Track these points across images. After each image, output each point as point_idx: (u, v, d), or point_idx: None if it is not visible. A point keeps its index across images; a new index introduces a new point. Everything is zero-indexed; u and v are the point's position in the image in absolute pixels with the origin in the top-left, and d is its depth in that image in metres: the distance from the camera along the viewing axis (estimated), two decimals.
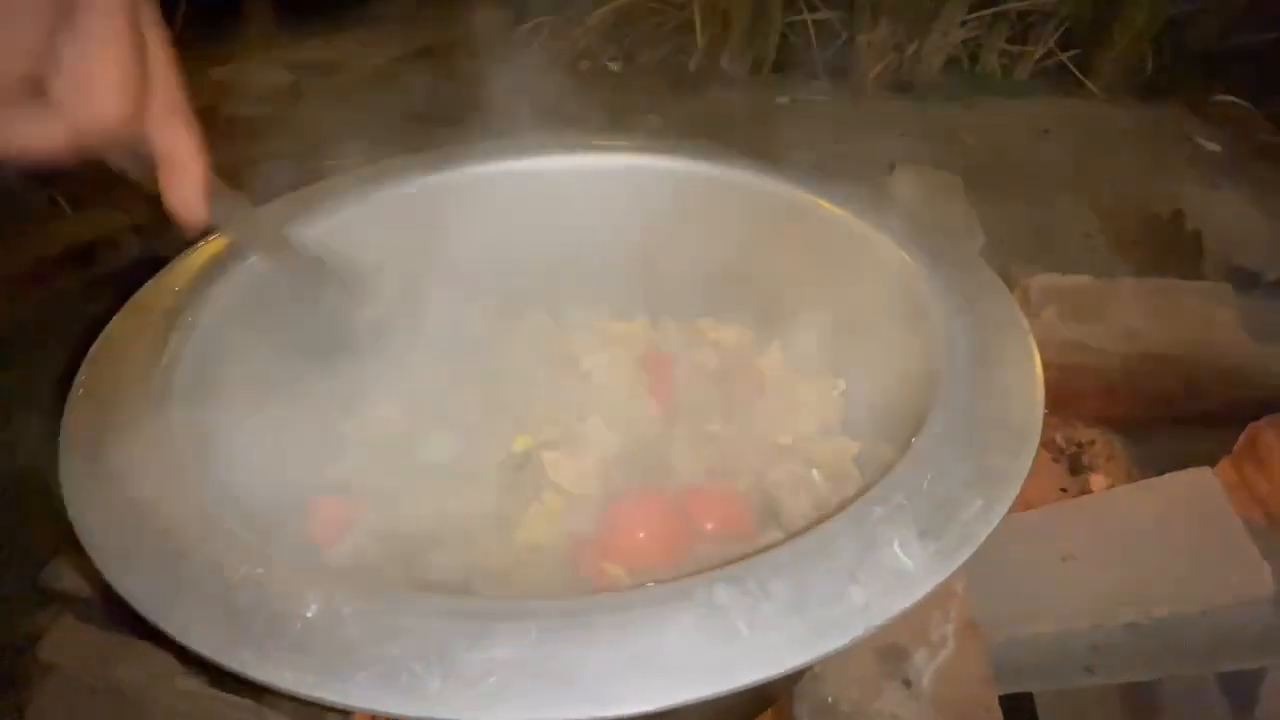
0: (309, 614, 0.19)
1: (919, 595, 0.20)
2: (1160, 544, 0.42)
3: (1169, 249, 0.99)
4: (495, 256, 0.44)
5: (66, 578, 0.46)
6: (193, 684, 0.45)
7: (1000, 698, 0.40)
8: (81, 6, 0.16)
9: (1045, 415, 0.90)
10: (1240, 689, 0.41)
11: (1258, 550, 0.39)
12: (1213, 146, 1.37)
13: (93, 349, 0.30)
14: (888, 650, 0.39)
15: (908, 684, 0.38)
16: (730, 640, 0.19)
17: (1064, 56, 1.55)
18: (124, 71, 0.17)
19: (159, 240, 1.10)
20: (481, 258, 0.43)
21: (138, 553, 0.22)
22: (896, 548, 0.21)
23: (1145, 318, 0.79)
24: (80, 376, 0.29)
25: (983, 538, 0.22)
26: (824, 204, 0.40)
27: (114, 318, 0.33)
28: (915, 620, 0.40)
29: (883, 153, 1.12)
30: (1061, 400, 0.77)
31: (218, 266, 0.36)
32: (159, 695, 0.46)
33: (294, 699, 0.18)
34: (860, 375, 0.38)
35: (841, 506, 0.22)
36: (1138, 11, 1.45)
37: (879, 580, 0.20)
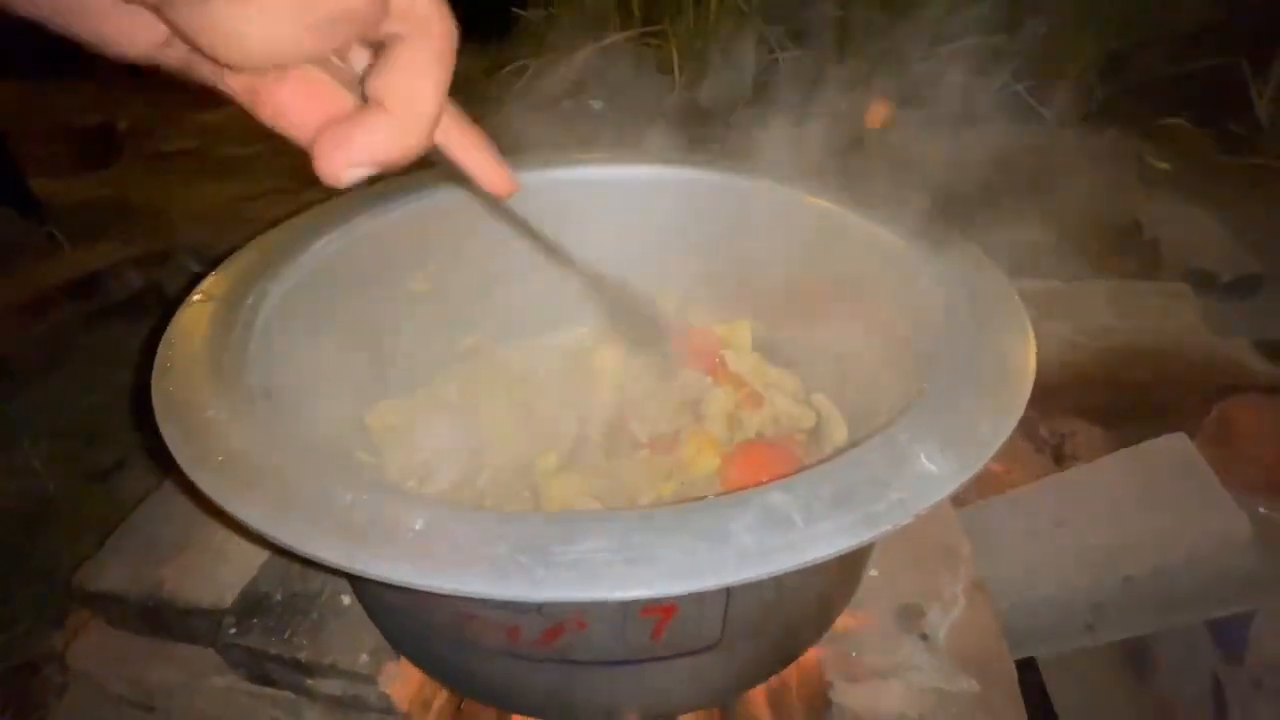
0: (418, 526, 0.21)
1: (946, 492, 0.23)
2: (1145, 503, 0.46)
3: (1129, 256, 1.06)
4: None
5: (104, 578, 0.46)
6: (228, 681, 0.45)
7: None
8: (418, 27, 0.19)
9: (1027, 410, 0.94)
10: (1231, 638, 0.44)
11: (1233, 500, 0.43)
12: (1163, 165, 1.45)
13: (166, 333, 0.32)
14: (904, 610, 0.42)
15: (925, 638, 0.40)
16: (788, 530, 0.21)
17: (1019, 88, 1.64)
18: (442, 91, 0.20)
19: (160, 272, 1.12)
20: None
21: (254, 492, 0.24)
22: (923, 459, 0.24)
23: (1114, 316, 0.84)
24: (160, 355, 0.31)
25: (994, 450, 0.25)
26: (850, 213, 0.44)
27: (180, 309, 0.35)
28: (928, 582, 0.43)
29: None
30: (1042, 394, 0.81)
31: (266, 266, 0.38)
32: (193, 695, 0.46)
33: (405, 589, 0.20)
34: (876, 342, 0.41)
35: (871, 435, 0.25)
36: (1086, 45, 1.55)
37: (911, 483, 0.23)
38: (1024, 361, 0.29)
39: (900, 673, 0.38)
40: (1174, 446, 0.47)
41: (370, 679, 0.40)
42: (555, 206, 0.43)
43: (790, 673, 0.40)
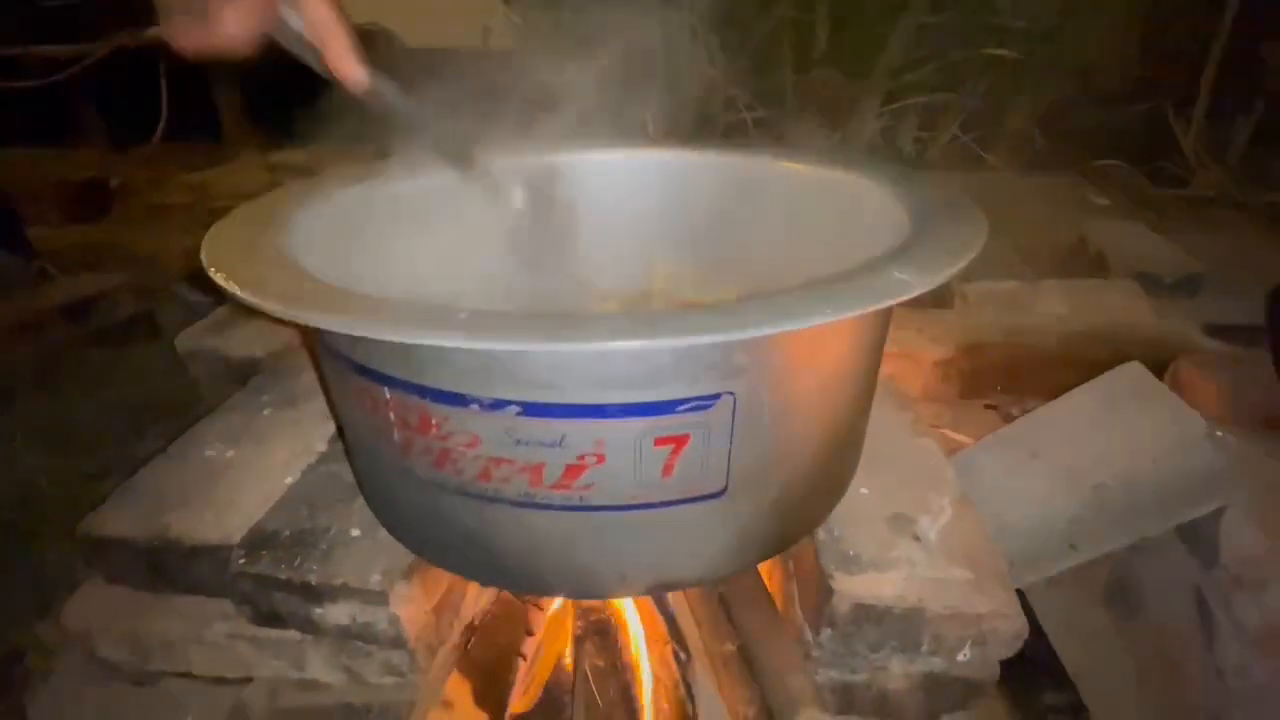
0: (463, 316, 0.24)
1: (916, 291, 0.27)
2: (1108, 421, 0.49)
3: (1079, 266, 1.14)
4: None
5: (110, 525, 0.46)
6: (229, 628, 0.45)
7: None
8: None
9: (997, 392, 0.98)
10: (1205, 544, 0.46)
11: (1186, 405, 0.47)
12: (1103, 201, 1.57)
13: (206, 238, 0.35)
14: (896, 518, 0.44)
15: (917, 539, 0.42)
16: (785, 310, 0.25)
17: (966, 138, 1.78)
18: None
19: (152, 300, 1.13)
20: None
21: (318, 303, 0.26)
22: (896, 273, 0.27)
23: (1070, 308, 0.90)
24: (204, 250, 0.33)
25: (954, 271, 0.29)
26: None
27: (216, 224, 0.38)
28: (916, 498, 0.45)
29: None
30: (1011, 376, 0.86)
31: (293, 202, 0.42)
32: (191, 648, 0.46)
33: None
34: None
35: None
36: (1025, 98, 1.70)
37: (887, 284, 0.27)
38: (978, 228, 0.33)
39: (896, 566, 0.40)
40: (1130, 371, 0.51)
41: (381, 597, 0.40)
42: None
43: (791, 566, 0.42)
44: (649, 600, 0.47)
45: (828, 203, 0.46)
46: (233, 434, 0.54)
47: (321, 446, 0.52)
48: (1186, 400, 0.62)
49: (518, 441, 0.29)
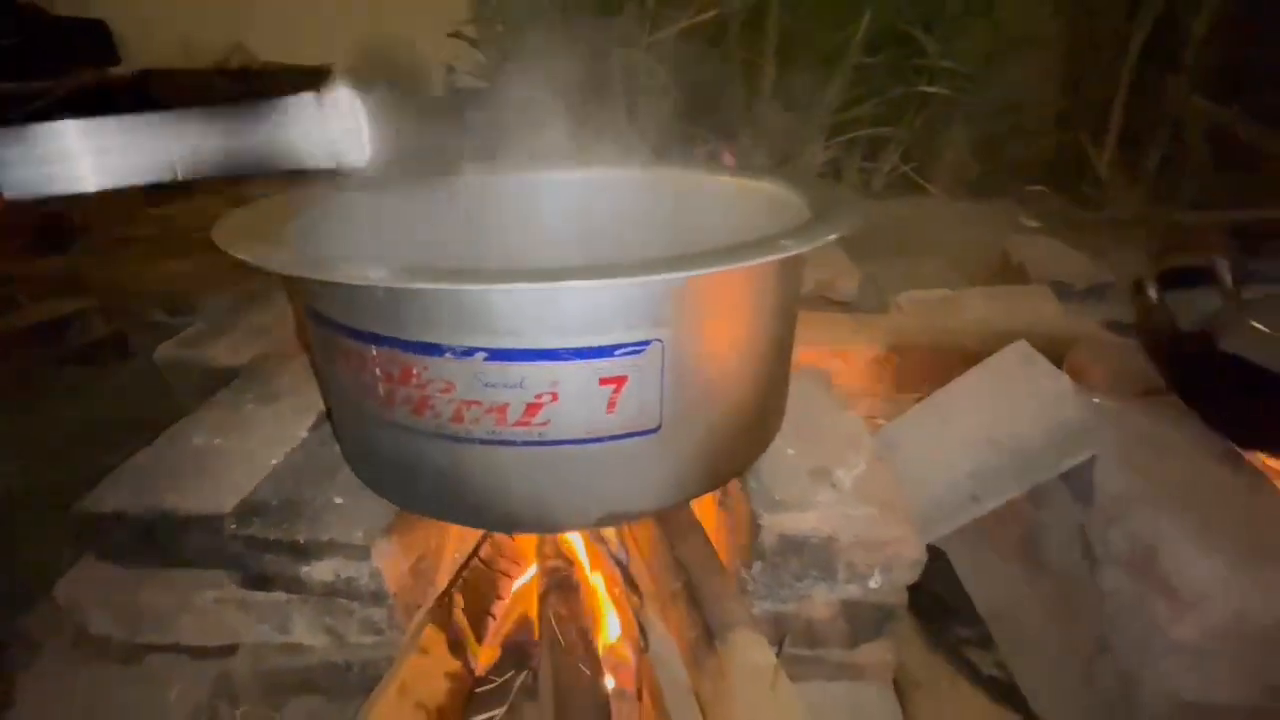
0: (442, 268, 0.30)
1: (794, 251, 0.34)
2: (1000, 389, 0.57)
3: (1003, 278, 1.24)
4: None
5: (105, 502, 0.49)
6: (219, 594, 0.49)
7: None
8: None
9: (926, 386, 1.04)
10: (1083, 488, 0.54)
11: (1059, 370, 0.55)
12: (1033, 224, 1.70)
13: (215, 227, 0.40)
14: (816, 471, 0.50)
15: (834, 486, 0.49)
16: (705, 255, 0.31)
17: (907, 168, 1.92)
18: None
19: (124, 322, 1.16)
20: None
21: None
22: (783, 241, 0.34)
23: (990, 311, 1.00)
24: (214, 233, 0.39)
25: (825, 240, 0.36)
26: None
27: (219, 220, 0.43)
28: (836, 455, 0.52)
29: None
30: (937, 371, 0.94)
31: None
32: (180, 617, 0.49)
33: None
34: None
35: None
36: (959, 131, 1.85)
37: (774, 247, 0.34)
38: (858, 214, 0.41)
39: (815, 507, 0.47)
40: (1018, 348, 0.59)
41: (364, 551, 0.45)
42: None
43: (729, 515, 0.48)
44: (605, 555, 0.52)
45: (750, 204, 0.54)
46: (218, 425, 0.59)
47: (303, 433, 0.57)
48: (1078, 379, 0.71)
49: (485, 384, 0.34)
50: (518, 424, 0.35)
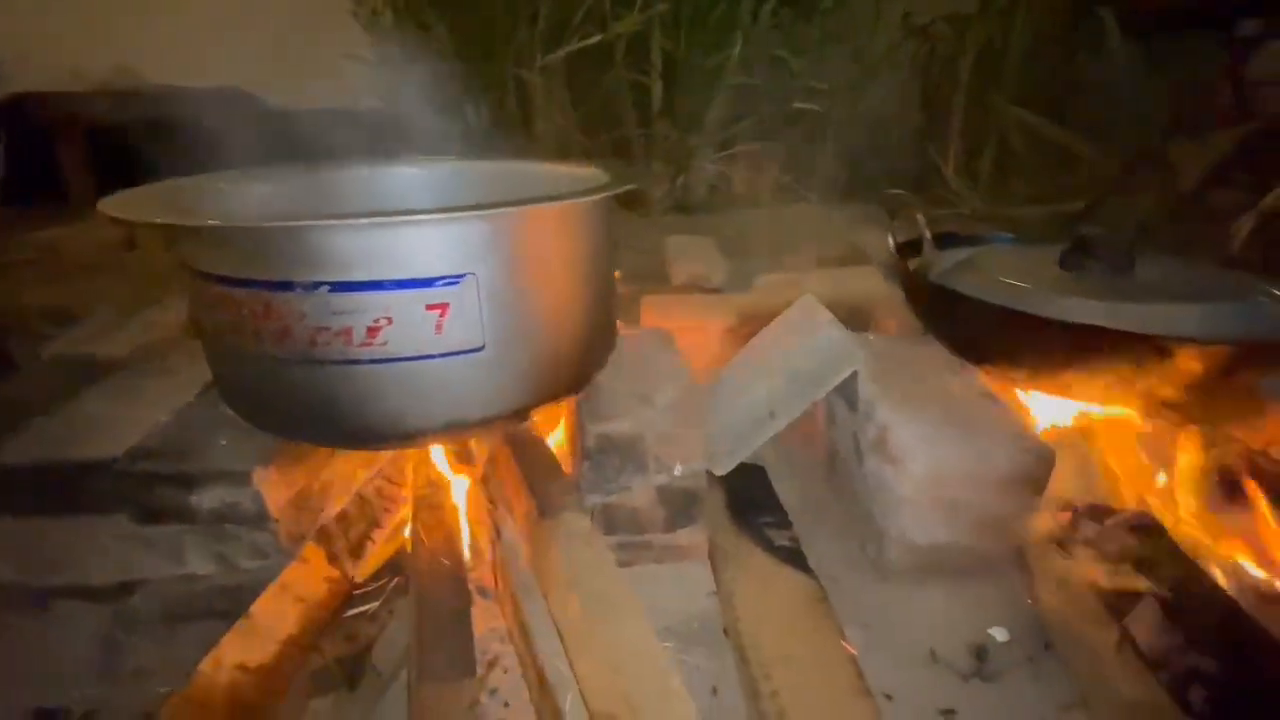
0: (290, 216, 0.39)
1: (566, 202, 0.45)
2: (789, 330, 0.71)
3: (852, 262, 1.43)
4: None
5: (5, 455, 0.54)
6: (115, 531, 0.55)
7: (739, 473, 0.66)
8: None
9: None
10: (850, 398, 0.68)
11: (828, 311, 0.69)
12: (894, 224, 1.91)
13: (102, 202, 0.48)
14: (638, 395, 0.62)
15: (650, 404, 0.61)
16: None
17: (786, 179, 2.12)
18: None
19: (6, 338, 1.15)
20: None
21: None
22: (571, 199, 0.46)
23: (827, 287, 1.17)
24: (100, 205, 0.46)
25: (592, 196, 0.47)
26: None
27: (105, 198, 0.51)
28: (656, 386, 0.64)
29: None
30: None
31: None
32: (81, 558, 0.55)
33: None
34: None
35: None
36: (830, 144, 2.06)
37: (553, 201, 0.45)
38: (630, 182, 0.53)
39: (631, 417, 0.58)
40: (804, 301, 0.74)
41: (245, 477, 0.53)
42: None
43: (562, 425, 0.59)
44: (469, 474, 0.62)
45: (569, 184, 0.66)
46: (109, 395, 0.65)
47: (189, 398, 0.64)
48: (878, 330, 0.86)
49: (331, 313, 0.44)
50: (362, 345, 0.45)
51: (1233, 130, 1.48)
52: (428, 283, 0.44)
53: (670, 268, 1.39)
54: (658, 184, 2.03)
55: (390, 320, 0.45)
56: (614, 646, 0.42)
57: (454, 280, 0.45)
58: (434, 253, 0.44)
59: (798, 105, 2.01)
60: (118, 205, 0.46)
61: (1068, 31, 1.91)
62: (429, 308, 0.45)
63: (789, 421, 0.68)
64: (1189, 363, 0.54)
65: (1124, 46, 1.64)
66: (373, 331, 0.45)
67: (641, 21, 1.83)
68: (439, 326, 0.46)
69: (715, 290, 1.35)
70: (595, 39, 1.87)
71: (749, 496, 0.68)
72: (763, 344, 0.73)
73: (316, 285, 0.43)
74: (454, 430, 0.51)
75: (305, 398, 0.48)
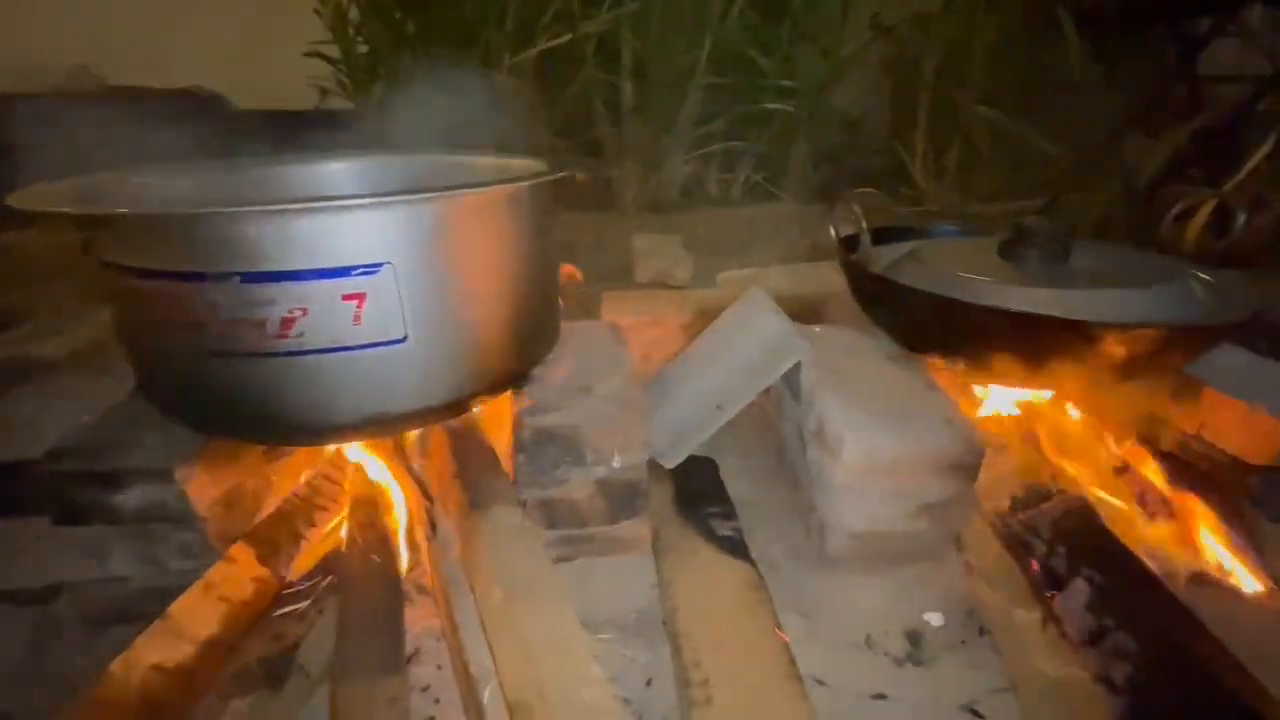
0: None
1: (488, 191, 0.45)
2: (737, 323, 0.71)
3: (817, 256, 1.43)
4: None
5: None
6: (39, 533, 0.53)
7: (688, 467, 0.65)
8: None
9: None
10: (794, 388, 0.68)
11: (774, 307, 0.70)
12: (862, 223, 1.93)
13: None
14: (580, 387, 0.62)
15: (590, 394, 0.60)
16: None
17: (759, 178, 2.13)
18: None
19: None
20: None
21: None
22: (495, 186, 0.45)
23: (786, 282, 1.18)
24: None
25: (521, 183, 0.47)
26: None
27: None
28: (599, 376, 0.64)
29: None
30: None
31: None
32: (8, 552, 0.53)
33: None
34: None
35: None
36: (802, 144, 2.07)
37: (467, 189, 0.45)
38: (562, 170, 0.53)
39: (568, 408, 0.58)
40: (751, 294, 0.74)
41: (168, 474, 0.52)
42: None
43: (502, 421, 0.59)
44: (405, 472, 0.61)
45: (503, 176, 0.65)
46: (38, 395, 0.63)
47: (122, 398, 0.63)
48: (830, 322, 0.87)
49: (245, 304, 0.43)
50: (278, 336, 0.44)
51: (1186, 127, 1.51)
52: (343, 272, 0.44)
53: (636, 265, 1.40)
54: (630, 184, 2.03)
55: (305, 311, 0.44)
56: (532, 637, 0.41)
57: (371, 269, 0.44)
58: (349, 241, 0.44)
59: (769, 105, 2.02)
60: (26, 197, 0.45)
61: (1029, 31, 1.94)
62: (346, 297, 0.44)
63: (735, 413, 0.68)
64: (1117, 347, 0.54)
65: (1081, 45, 1.67)
66: (288, 323, 0.44)
67: (610, 21, 1.84)
68: (357, 317, 0.45)
69: (680, 287, 1.36)
70: (565, 39, 1.87)
71: (697, 488, 0.68)
72: (711, 337, 0.73)
73: (228, 275, 0.42)
74: (380, 424, 0.50)
75: (222, 392, 0.47)
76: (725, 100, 2.05)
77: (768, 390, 0.70)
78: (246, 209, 0.41)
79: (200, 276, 0.43)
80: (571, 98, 2.03)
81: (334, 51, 1.96)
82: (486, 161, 0.69)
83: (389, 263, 0.45)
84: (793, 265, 1.29)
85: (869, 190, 2.28)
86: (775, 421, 0.76)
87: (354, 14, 1.97)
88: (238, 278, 0.42)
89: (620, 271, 1.42)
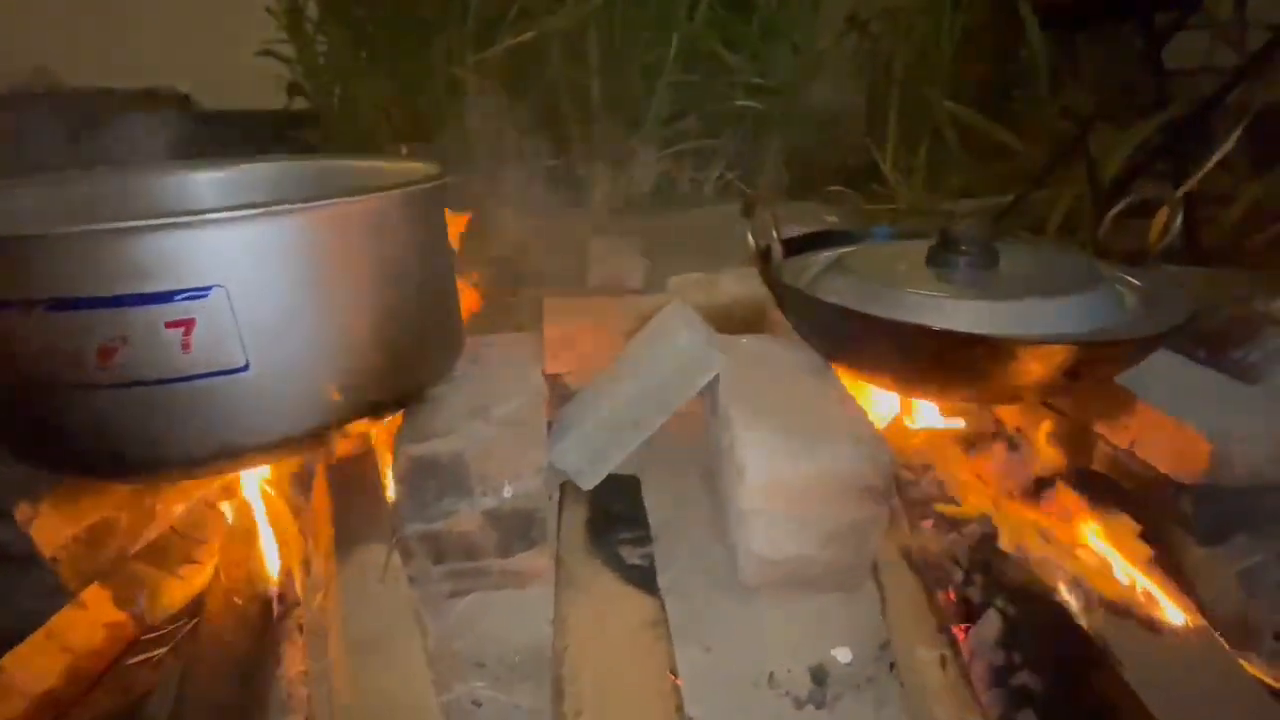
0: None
1: (365, 203, 0.41)
2: (656, 337, 0.68)
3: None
4: None
5: None
6: None
7: (608, 486, 0.62)
8: None
9: None
10: (715, 406, 0.65)
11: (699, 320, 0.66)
12: (832, 219, 1.91)
13: None
14: (475, 408, 0.58)
15: (486, 419, 0.56)
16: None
17: (731, 176, 2.10)
18: None
19: None
20: None
21: None
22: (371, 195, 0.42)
23: (733, 286, 1.14)
24: None
25: (401, 190, 0.43)
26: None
27: None
28: (500, 396, 0.60)
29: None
30: None
31: None
32: None
33: None
34: None
35: None
36: (774, 142, 2.04)
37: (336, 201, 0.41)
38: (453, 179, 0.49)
39: (458, 435, 0.54)
40: (675, 305, 0.71)
41: (8, 515, 0.48)
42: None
43: (379, 445, 0.55)
44: (282, 507, 0.57)
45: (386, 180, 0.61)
46: None
47: None
48: (770, 331, 0.83)
49: (55, 334, 0.39)
50: (98, 368, 0.40)
51: (1153, 120, 1.48)
52: (165, 298, 0.40)
53: (590, 270, 1.36)
54: (599, 183, 1.99)
55: (125, 340, 0.40)
56: (380, 696, 0.38)
57: (199, 293, 0.41)
58: (171, 263, 0.40)
59: (740, 103, 1.99)
60: None
61: (995, 27, 1.91)
62: (170, 325, 0.41)
63: (652, 431, 0.64)
64: (1034, 363, 0.51)
65: (1044, 40, 1.64)
66: (105, 354, 0.40)
67: (576, 17, 1.80)
68: (186, 345, 0.41)
69: (635, 292, 1.32)
70: (529, 35, 1.83)
71: (614, 511, 0.64)
72: (632, 352, 0.70)
73: (31, 304, 0.39)
74: (227, 458, 0.46)
75: (49, 428, 0.43)
76: (695, 97, 2.01)
77: (706, 400, 0.66)
78: (47, 233, 0.37)
79: (4, 304, 0.39)
80: (538, 95, 1.99)
81: (289, 50, 1.92)
82: (374, 165, 0.65)
83: (220, 285, 0.41)
84: (747, 268, 1.24)
85: (840, 189, 2.24)
86: (707, 435, 0.72)
87: (313, 11, 1.93)
88: (41, 306, 0.39)
89: (574, 276, 1.38)
